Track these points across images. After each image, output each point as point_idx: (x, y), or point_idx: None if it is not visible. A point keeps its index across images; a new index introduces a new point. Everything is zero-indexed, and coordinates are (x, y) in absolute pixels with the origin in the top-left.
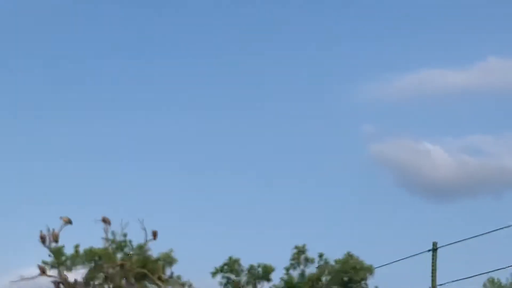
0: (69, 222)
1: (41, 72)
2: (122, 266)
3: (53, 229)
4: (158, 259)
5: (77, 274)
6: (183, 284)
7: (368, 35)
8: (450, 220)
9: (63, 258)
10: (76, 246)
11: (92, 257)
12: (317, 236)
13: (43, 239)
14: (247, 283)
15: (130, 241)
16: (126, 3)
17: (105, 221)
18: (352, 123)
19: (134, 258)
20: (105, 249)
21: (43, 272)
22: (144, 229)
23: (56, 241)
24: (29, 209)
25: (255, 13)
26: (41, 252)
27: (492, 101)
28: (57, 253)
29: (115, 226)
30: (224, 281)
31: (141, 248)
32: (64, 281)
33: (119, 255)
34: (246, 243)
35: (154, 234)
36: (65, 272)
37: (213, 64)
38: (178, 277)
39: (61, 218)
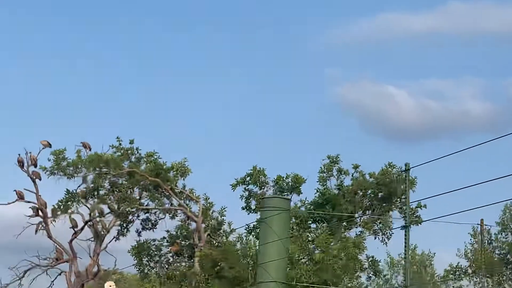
0: (48, 145)
1: None
2: (130, 174)
3: (31, 153)
4: (170, 168)
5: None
6: (197, 198)
7: None
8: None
9: (64, 163)
10: (78, 151)
11: (97, 163)
12: None
13: (21, 163)
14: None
15: (137, 149)
16: None
17: (85, 146)
18: (315, 66)
19: (145, 166)
20: (112, 155)
21: (20, 197)
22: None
23: (34, 165)
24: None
25: None
26: (19, 177)
27: (453, 45)
28: (57, 158)
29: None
30: (245, 194)
31: (151, 156)
32: (43, 207)
33: (125, 164)
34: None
35: None
36: (42, 200)
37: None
38: (191, 190)
39: (40, 142)
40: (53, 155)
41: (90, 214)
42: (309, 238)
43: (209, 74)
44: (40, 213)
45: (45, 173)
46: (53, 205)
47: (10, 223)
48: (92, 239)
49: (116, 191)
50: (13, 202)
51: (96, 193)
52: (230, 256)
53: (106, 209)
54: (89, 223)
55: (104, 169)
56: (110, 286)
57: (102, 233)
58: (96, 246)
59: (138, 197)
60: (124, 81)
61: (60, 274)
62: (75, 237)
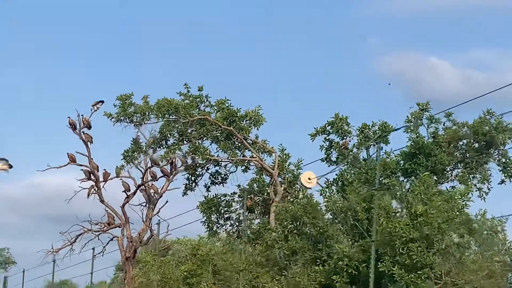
0: (101, 102)
1: None
2: (201, 122)
3: (83, 115)
4: (244, 116)
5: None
6: (272, 149)
7: None
8: None
9: (131, 109)
10: (145, 97)
11: (166, 109)
12: None
13: (72, 126)
14: (358, 145)
15: (207, 96)
16: None
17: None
18: (358, 36)
19: (215, 115)
20: (182, 101)
21: (72, 160)
22: None
23: (87, 127)
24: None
25: None
26: (71, 140)
27: (498, 15)
28: (124, 103)
29: None
30: (326, 144)
31: (222, 103)
32: (95, 170)
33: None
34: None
35: None
36: (94, 164)
37: None
38: (265, 141)
39: (92, 105)
40: (119, 100)
41: (143, 177)
42: (404, 189)
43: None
44: (92, 176)
45: (111, 120)
46: (104, 169)
47: (60, 193)
48: (145, 204)
49: (185, 141)
50: (65, 165)
51: (164, 142)
52: (312, 211)
53: (159, 172)
54: (141, 187)
55: (173, 116)
56: (309, 178)
57: (154, 197)
58: (149, 211)
59: (208, 148)
60: (192, 27)
61: (112, 239)
62: (127, 202)
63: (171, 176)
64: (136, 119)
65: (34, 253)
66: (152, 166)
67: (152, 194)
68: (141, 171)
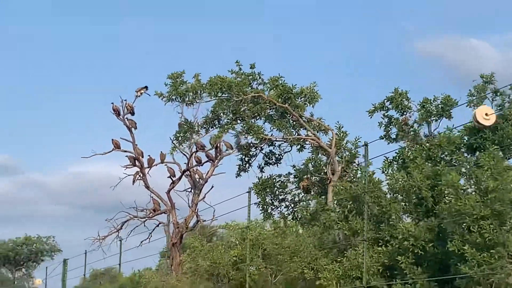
0: (144, 88)
1: None
2: (254, 100)
3: (126, 100)
4: (299, 93)
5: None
6: (328, 127)
7: None
8: None
9: (183, 87)
10: (197, 75)
11: (219, 87)
12: None
13: (116, 112)
14: (420, 121)
15: (259, 74)
16: None
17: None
18: (396, 19)
19: (268, 92)
20: (234, 79)
21: (116, 146)
22: None
23: (131, 112)
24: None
25: None
26: (115, 126)
27: None
28: (175, 82)
29: None
30: (385, 121)
31: (275, 81)
32: (140, 156)
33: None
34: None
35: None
36: (138, 150)
37: None
38: (320, 119)
39: (136, 91)
40: (170, 79)
41: (188, 162)
42: (471, 164)
43: None
44: (137, 163)
45: (162, 99)
46: (149, 155)
47: (104, 182)
48: (190, 189)
49: (239, 119)
50: (110, 151)
51: (217, 122)
52: (374, 189)
53: (204, 157)
54: (186, 172)
55: (225, 95)
56: (486, 114)
57: (200, 183)
58: (194, 197)
59: (262, 127)
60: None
61: (158, 226)
62: (173, 187)
63: (216, 161)
64: (188, 98)
65: (80, 241)
66: (197, 151)
67: (197, 179)
68: (186, 156)
